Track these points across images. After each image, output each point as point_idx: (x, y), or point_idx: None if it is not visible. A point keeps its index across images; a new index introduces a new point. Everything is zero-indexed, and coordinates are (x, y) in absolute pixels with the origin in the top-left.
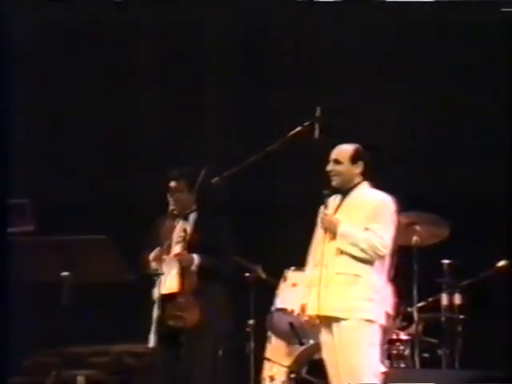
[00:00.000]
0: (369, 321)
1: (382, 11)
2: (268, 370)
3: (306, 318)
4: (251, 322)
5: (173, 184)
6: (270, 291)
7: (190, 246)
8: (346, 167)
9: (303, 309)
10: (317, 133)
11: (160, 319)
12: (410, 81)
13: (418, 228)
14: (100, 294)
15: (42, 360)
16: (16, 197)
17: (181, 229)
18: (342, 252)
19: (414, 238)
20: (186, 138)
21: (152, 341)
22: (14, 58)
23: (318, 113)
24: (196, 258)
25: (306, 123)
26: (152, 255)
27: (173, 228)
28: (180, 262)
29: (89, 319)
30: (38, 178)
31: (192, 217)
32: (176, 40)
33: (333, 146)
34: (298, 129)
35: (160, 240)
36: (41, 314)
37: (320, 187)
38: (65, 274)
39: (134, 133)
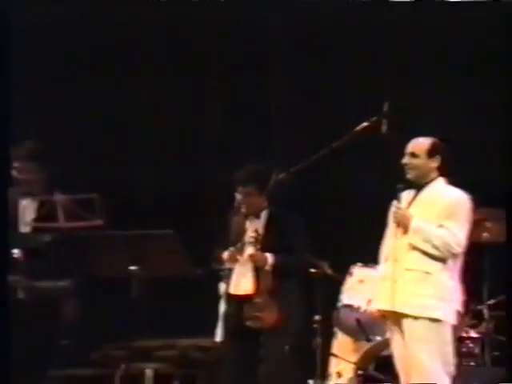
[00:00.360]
0: (438, 320)
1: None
2: (335, 366)
3: (375, 312)
4: (318, 317)
5: (242, 189)
6: (336, 287)
7: (263, 245)
8: (422, 161)
9: (370, 303)
10: (384, 128)
11: (232, 317)
12: (474, 76)
13: (488, 225)
14: (167, 288)
15: (111, 353)
16: (84, 191)
17: (253, 229)
18: (413, 248)
19: (484, 235)
20: (249, 137)
21: (219, 335)
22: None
23: (385, 108)
24: (270, 257)
25: (373, 118)
26: (226, 255)
27: (244, 228)
28: (254, 262)
29: (156, 313)
30: (105, 172)
31: (263, 215)
32: (239, 40)
33: (401, 141)
34: (365, 124)
35: (231, 238)
36: (110, 307)
37: (388, 183)
38: (133, 268)
39: (198, 132)
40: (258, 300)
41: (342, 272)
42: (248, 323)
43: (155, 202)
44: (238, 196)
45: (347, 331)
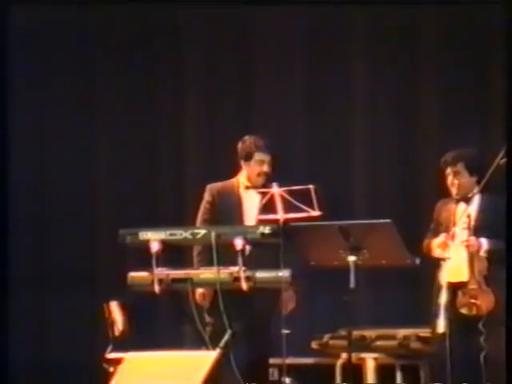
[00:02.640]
0: None
1: None
2: None
3: None
4: None
5: (450, 169)
6: None
7: (476, 230)
8: None
9: None
10: None
11: (450, 306)
12: None
13: None
14: (385, 277)
15: (332, 342)
16: (301, 183)
17: (464, 213)
18: None
19: None
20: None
21: (441, 326)
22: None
23: None
24: (484, 242)
25: None
26: (437, 242)
27: (455, 213)
28: (468, 248)
29: (375, 302)
30: (320, 163)
31: (475, 200)
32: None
33: None
34: None
35: (441, 225)
36: (328, 297)
37: None
38: (351, 258)
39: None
40: (472, 286)
41: None
42: (462, 310)
43: (368, 192)
44: (448, 180)
45: None
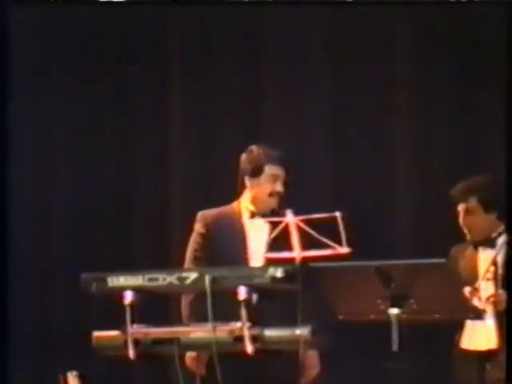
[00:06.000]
0: None
1: None
2: None
3: None
4: None
5: (461, 206)
6: None
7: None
8: None
9: None
10: None
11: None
12: None
13: None
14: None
15: None
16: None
17: (488, 260)
18: None
19: None
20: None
21: None
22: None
23: None
24: None
25: None
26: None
27: (476, 260)
28: (496, 305)
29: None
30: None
31: (500, 241)
32: None
33: None
34: None
35: (464, 273)
36: (361, 361)
37: None
38: (394, 310)
39: None
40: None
41: None
42: None
43: (414, 219)
44: (460, 216)
45: None
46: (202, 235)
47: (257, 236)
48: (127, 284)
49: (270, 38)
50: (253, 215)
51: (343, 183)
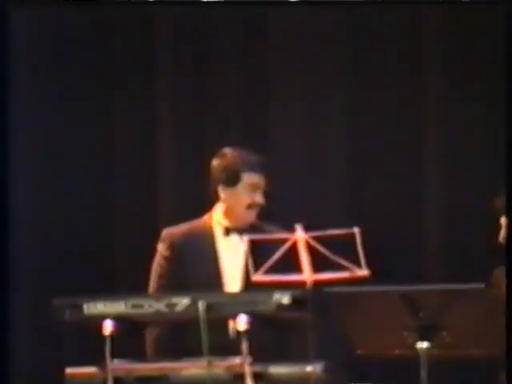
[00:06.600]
0: None
1: None
2: None
3: None
4: None
5: (503, 220)
6: None
7: None
8: None
9: None
10: None
11: None
12: None
13: None
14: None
15: None
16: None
17: None
18: None
19: None
20: None
21: None
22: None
23: None
24: None
25: None
26: None
27: None
28: None
29: None
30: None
31: None
32: None
33: None
34: None
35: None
36: None
37: None
38: (423, 344)
39: None
40: None
41: None
42: None
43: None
44: (501, 232)
45: None
46: (167, 259)
47: (232, 257)
48: (107, 311)
49: (260, 38)
50: (227, 231)
51: (362, 194)
